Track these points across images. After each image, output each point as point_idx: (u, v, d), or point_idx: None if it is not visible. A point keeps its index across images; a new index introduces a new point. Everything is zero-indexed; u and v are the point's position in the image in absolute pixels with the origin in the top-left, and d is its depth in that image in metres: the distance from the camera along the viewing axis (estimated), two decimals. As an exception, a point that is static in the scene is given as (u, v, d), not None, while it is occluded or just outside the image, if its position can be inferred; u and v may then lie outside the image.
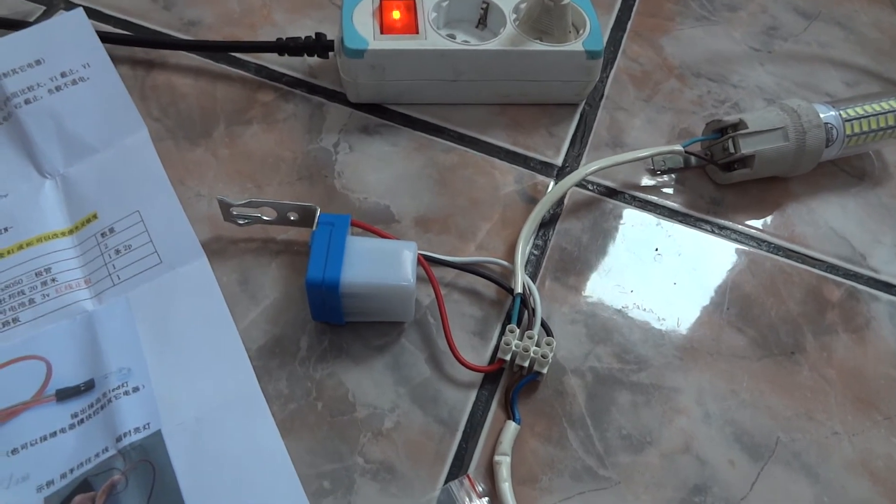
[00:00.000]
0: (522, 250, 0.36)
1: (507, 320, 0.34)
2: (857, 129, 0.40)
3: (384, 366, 0.33)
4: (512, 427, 0.31)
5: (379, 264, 0.32)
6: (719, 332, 0.35)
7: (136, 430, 0.28)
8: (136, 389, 0.30)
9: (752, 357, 0.35)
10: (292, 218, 0.35)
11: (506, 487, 0.29)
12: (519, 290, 0.34)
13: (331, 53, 0.42)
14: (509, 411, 0.32)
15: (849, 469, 0.32)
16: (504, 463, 0.30)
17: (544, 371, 0.32)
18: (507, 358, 0.32)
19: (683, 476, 0.31)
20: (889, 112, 0.41)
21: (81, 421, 0.29)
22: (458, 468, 0.31)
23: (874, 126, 0.40)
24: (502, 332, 0.34)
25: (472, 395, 0.33)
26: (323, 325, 0.34)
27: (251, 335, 0.33)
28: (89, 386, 0.30)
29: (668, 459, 0.32)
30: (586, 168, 0.38)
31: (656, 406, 0.33)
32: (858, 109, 0.41)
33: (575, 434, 0.32)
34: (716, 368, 0.34)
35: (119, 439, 0.28)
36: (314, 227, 0.33)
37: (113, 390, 0.29)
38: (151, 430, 0.28)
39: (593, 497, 0.30)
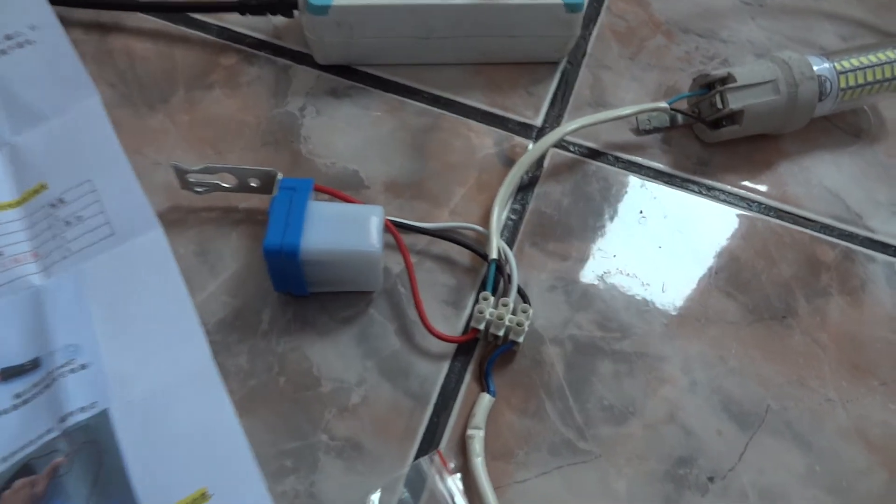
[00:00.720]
0: (498, 214, 0.34)
1: (483, 288, 0.32)
2: (852, 82, 0.38)
3: (351, 338, 0.31)
4: (486, 399, 0.29)
5: (342, 229, 0.30)
6: (707, 298, 0.34)
7: (82, 409, 0.27)
8: (83, 367, 0.28)
9: (741, 322, 0.33)
10: (253, 184, 0.33)
11: (478, 462, 0.28)
12: (494, 255, 0.32)
13: (295, 12, 0.40)
14: (483, 383, 0.30)
15: (843, 437, 0.30)
16: (477, 437, 0.28)
17: (520, 340, 0.30)
18: (481, 327, 0.30)
19: (668, 447, 0.30)
20: (886, 63, 0.38)
21: (25, 401, 0.27)
22: (430, 443, 0.29)
23: (870, 78, 0.38)
24: (477, 301, 0.32)
25: (445, 367, 0.31)
26: (286, 297, 0.32)
27: (210, 308, 0.31)
28: (35, 364, 0.28)
29: (651, 430, 0.30)
30: (566, 127, 0.36)
31: (640, 375, 0.31)
32: (854, 61, 0.38)
33: (553, 406, 0.30)
34: (703, 335, 0.33)
35: (63, 419, 0.26)
36: (274, 193, 0.31)
37: (59, 368, 0.28)
38: (98, 410, 0.27)
39: (572, 471, 0.29)
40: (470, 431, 0.28)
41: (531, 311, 0.30)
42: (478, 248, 0.33)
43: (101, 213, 0.32)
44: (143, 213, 0.33)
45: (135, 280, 0.30)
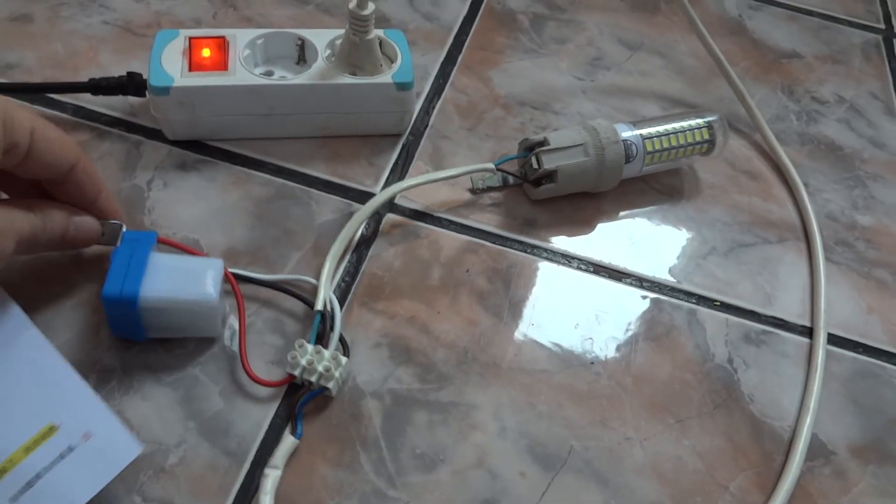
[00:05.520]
0: (329, 269, 0.36)
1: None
2: (657, 146, 0.42)
3: (175, 401, 0.32)
4: (289, 441, 0.31)
5: (182, 279, 0.32)
6: (522, 348, 0.36)
7: None
8: None
9: (552, 370, 0.36)
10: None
11: (265, 500, 0.29)
12: (319, 307, 0.34)
13: (148, 93, 0.42)
14: (293, 426, 0.31)
15: (638, 473, 0.33)
16: (271, 476, 0.30)
17: (329, 386, 0.32)
18: (296, 373, 0.32)
19: (473, 491, 0.31)
20: (688, 130, 0.43)
21: None
22: (244, 500, 0.30)
23: (674, 143, 0.43)
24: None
25: (266, 424, 0.32)
26: (113, 362, 0.33)
27: (35, 378, 0.32)
28: None
29: (459, 476, 0.32)
30: (401, 185, 0.39)
31: (453, 423, 0.33)
32: (659, 128, 0.43)
33: (367, 457, 0.32)
34: (516, 383, 0.35)
35: None
36: (117, 244, 0.33)
37: None
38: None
39: (380, 519, 0.30)
40: (266, 470, 0.30)
41: (344, 360, 0.32)
42: (307, 299, 0.35)
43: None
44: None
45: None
